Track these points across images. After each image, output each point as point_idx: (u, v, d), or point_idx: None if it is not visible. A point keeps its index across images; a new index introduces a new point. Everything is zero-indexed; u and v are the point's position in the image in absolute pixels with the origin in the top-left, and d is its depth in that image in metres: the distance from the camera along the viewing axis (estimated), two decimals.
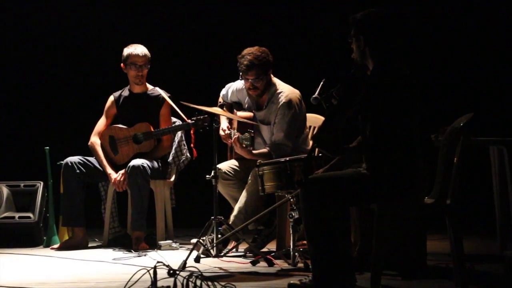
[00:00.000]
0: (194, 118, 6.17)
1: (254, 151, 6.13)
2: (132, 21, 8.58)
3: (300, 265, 5.35)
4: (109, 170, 6.67)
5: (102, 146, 6.79)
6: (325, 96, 4.93)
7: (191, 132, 6.21)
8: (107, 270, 5.48)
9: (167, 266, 4.10)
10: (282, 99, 6.17)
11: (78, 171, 6.67)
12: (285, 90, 6.22)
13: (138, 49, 6.77)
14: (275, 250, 5.95)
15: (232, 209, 6.18)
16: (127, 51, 6.78)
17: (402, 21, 4.81)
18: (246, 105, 6.39)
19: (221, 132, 6.30)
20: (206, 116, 6.09)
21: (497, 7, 8.04)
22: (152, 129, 6.66)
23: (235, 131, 6.23)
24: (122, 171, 6.58)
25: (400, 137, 4.36)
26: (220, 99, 6.53)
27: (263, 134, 6.29)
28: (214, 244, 5.67)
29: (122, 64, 6.80)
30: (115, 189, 6.72)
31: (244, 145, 5.99)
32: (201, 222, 5.92)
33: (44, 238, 6.99)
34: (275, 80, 6.28)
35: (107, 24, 8.55)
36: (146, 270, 3.93)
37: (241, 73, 6.20)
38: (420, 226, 5.18)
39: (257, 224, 6.17)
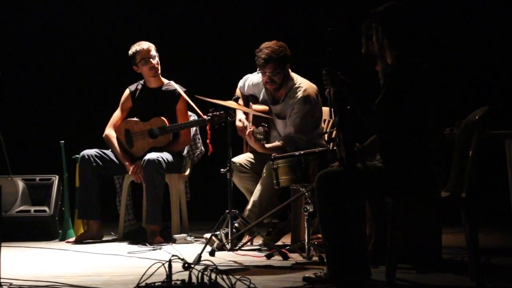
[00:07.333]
0: (210, 114, 6.15)
1: (267, 145, 6.13)
2: (146, 14, 8.58)
3: (315, 258, 5.35)
4: (127, 161, 6.68)
5: (117, 139, 6.79)
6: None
7: (207, 128, 6.20)
8: (122, 264, 5.50)
9: (182, 259, 4.10)
10: (300, 94, 6.15)
11: (94, 164, 6.67)
12: (303, 85, 6.21)
13: (142, 44, 6.73)
14: (289, 243, 5.96)
15: (247, 202, 6.18)
16: (133, 50, 6.73)
17: (421, 15, 4.78)
18: (261, 98, 6.38)
19: (238, 123, 6.28)
20: (222, 112, 6.07)
21: None
22: (167, 124, 6.66)
23: (250, 124, 6.23)
24: (139, 162, 6.59)
25: (416, 130, 4.35)
26: (238, 91, 6.51)
27: (278, 128, 6.28)
28: (229, 240, 5.67)
29: (134, 67, 6.78)
30: (130, 182, 6.73)
31: (257, 139, 6.00)
32: (216, 215, 5.93)
33: (60, 231, 7.01)
34: (293, 74, 6.26)
35: (121, 18, 8.54)
36: (161, 264, 3.94)
37: (258, 67, 6.18)
38: (435, 220, 5.17)
39: (271, 217, 6.17)
